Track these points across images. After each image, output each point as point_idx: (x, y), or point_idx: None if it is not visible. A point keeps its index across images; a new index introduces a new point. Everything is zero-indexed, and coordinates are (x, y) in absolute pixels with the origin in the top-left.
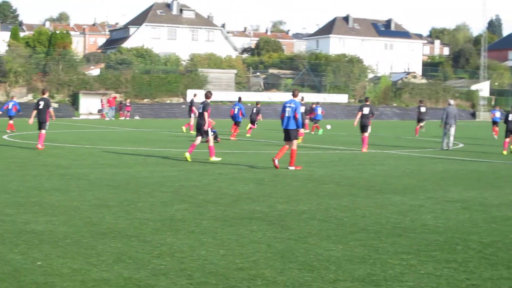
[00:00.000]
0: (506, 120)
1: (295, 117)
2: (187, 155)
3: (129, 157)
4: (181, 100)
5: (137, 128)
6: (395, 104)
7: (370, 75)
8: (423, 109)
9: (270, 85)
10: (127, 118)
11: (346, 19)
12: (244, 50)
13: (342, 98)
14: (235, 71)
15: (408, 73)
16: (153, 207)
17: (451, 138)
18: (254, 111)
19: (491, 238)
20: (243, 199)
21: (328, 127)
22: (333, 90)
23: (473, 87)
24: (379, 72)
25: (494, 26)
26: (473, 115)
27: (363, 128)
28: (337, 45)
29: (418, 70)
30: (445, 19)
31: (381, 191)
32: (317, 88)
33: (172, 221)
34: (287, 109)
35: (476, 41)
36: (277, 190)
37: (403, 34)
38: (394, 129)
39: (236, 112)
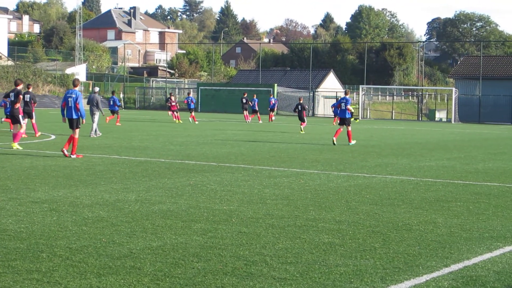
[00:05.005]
0: (296, 109)
1: (76, 107)
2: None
3: None
4: None
5: None
6: None
7: None
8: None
9: None
10: None
11: None
12: None
13: None
14: None
15: None
16: None
17: (94, 126)
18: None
19: (81, 243)
20: None
21: None
22: None
23: (68, 71)
24: None
25: (90, 1)
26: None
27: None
28: None
29: (4, 50)
30: None
31: None
32: None
33: None
34: (69, 99)
35: (71, 18)
36: None
37: None
38: None
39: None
